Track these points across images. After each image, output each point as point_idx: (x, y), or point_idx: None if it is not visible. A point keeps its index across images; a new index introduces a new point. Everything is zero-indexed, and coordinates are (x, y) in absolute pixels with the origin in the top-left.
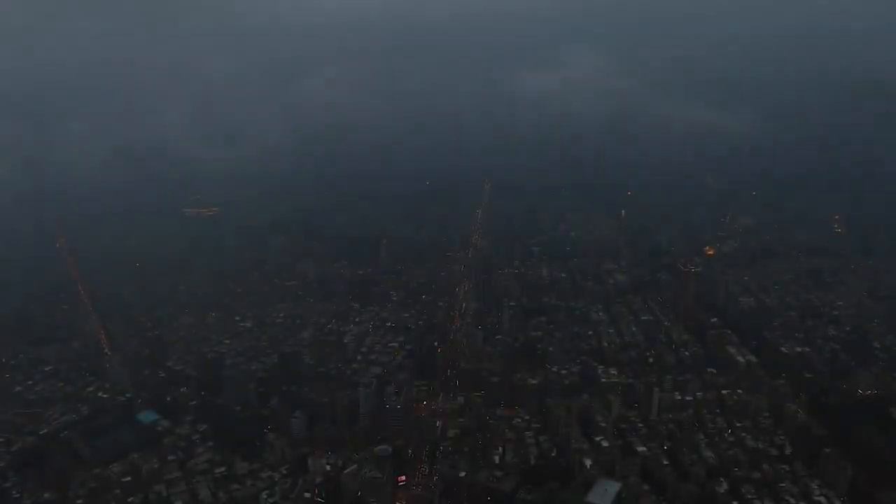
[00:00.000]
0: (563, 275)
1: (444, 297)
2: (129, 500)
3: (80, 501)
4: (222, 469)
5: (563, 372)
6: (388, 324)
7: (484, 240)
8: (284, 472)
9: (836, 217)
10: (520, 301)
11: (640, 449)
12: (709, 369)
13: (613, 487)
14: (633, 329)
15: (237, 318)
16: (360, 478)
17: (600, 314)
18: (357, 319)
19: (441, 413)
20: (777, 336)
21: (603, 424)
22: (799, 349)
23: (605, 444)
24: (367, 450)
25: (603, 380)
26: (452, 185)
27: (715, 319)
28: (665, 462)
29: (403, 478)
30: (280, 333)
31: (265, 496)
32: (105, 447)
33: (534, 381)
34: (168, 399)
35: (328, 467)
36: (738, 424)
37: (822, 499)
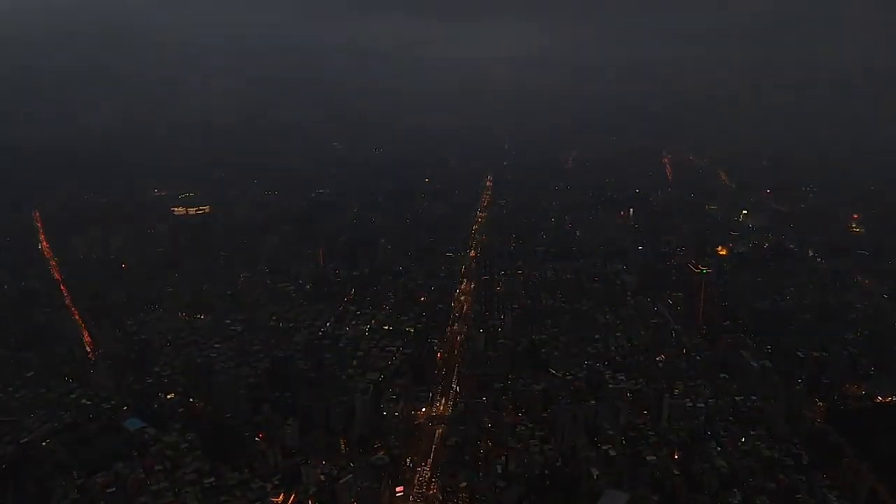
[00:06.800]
0: (569, 275)
1: (443, 299)
2: None
3: None
4: (211, 479)
5: (569, 377)
6: (386, 327)
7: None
8: (276, 481)
9: (854, 216)
10: (523, 303)
11: (650, 458)
12: (721, 375)
13: (622, 498)
14: (642, 332)
15: (227, 322)
16: (355, 488)
17: (607, 316)
18: (353, 322)
19: (441, 420)
20: (793, 340)
21: (611, 432)
22: (816, 353)
23: (612, 452)
24: (363, 459)
25: (610, 385)
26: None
27: (728, 322)
28: (676, 472)
29: (401, 488)
30: (272, 337)
31: None
32: (89, 456)
33: (538, 387)
34: (155, 406)
35: (322, 477)
36: (753, 432)
37: None
